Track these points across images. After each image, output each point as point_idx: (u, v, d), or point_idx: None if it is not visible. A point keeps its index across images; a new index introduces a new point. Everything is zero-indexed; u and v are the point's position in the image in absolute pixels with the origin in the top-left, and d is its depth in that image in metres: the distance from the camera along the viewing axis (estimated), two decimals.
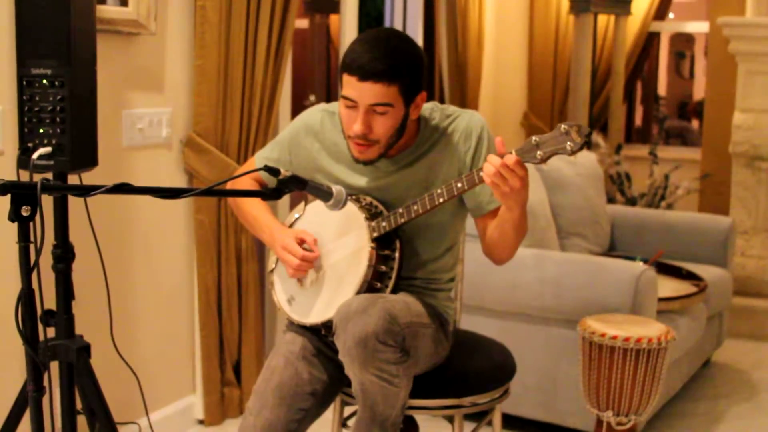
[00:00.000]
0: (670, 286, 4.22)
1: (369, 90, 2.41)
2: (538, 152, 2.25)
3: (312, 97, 6.31)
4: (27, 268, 1.93)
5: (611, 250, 5.05)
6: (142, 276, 3.59)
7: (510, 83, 6.75)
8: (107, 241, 2.92)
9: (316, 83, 6.91)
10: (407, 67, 2.45)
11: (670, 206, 6.29)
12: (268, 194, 2.19)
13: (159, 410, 3.72)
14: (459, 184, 2.39)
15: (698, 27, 7.50)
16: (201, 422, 3.93)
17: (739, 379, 4.80)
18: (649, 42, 7.51)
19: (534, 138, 2.26)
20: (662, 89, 9.80)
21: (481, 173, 2.31)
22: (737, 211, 5.82)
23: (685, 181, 6.40)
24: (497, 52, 6.46)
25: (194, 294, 3.83)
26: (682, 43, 9.84)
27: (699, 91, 9.71)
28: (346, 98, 2.46)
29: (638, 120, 8.96)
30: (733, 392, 4.59)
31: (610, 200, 6.21)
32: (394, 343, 2.36)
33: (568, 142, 2.21)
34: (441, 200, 2.43)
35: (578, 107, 6.62)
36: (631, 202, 6.40)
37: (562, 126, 2.23)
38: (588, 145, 2.26)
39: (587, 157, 5.06)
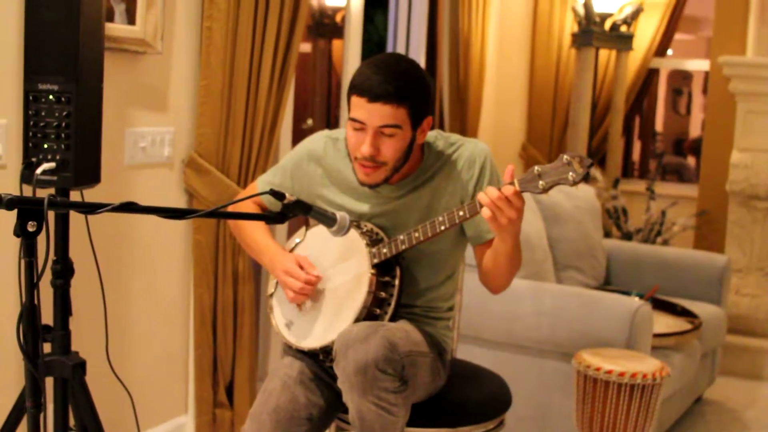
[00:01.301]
0: (664, 322, 4.22)
1: (378, 111, 2.42)
2: (541, 182, 2.26)
3: (309, 121, 6.32)
4: (31, 283, 1.93)
5: (606, 284, 5.06)
6: (138, 294, 3.58)
7: (510, 114, 6.77)
8: (105, 258, 2.92)
9: (317, 108, 6.92)
10: (415, 90, 2.46)
11: (665, 242, 6.31)
12: (272, 218, 2.20)
13: (150, 429, 3.70)
14: (461, 213, 2.40)
15: (699, 65, 7.54)
16: None
17: (731, 418, 4.80)
18: (649, 78, 7.55)
19: (536, 168, 2.28)
20: (659, 125, 9.83)
21: None
22: (732, 249, 5.83)
23: (682, 218, 6.42)
24: (498, 83, 6.48)
25: (190, 314, 3.82)
26: (680, 80, 9.88)
27: (695, 128, 9.73)
28: (354, 120, 2.47)
29: (635, 155, 8.98)
30: (725, 430, 4.59)
31: (606, 234, 6.22)
32: (394, 371, 2.36)
33: (570, 173, 2.22)
34: (442, 228, 2.43)
35: (577, 140, 6.64)
36: (627, 236, 6.42)
37: (565, 156, 2.24)
38: (587, 176, 2.27)
39: (585, 190, 5.08)
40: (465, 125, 5.87)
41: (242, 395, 3.99)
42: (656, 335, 3.88)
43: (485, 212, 2.28)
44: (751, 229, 5.80)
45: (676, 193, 7.00)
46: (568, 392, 3.57)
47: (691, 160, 9.18)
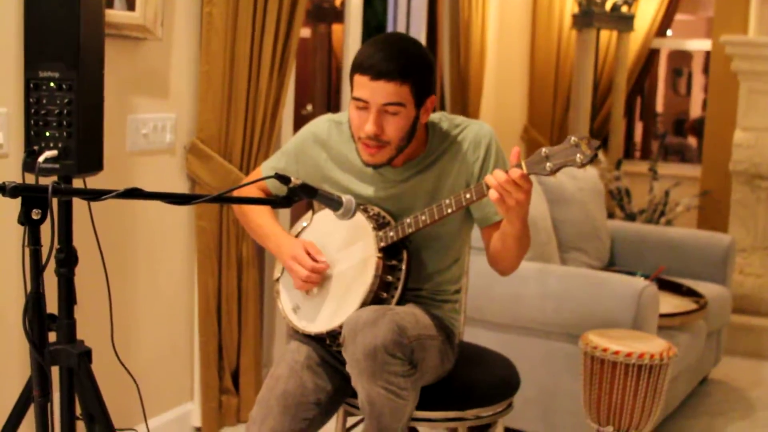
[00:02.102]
0: (670, 303, 4.21)
1: (381, 89, 2.40)
2: (548, 164, 2.24)
3: (309, 107, 6.30)
4: (37, 271, 1.92)
5: (611, 265, 5.04)
6: (142, 281, 3.57)
7: (511, 97, 6.75)
8: (108, 245, 2.90)
9: (317, 93, 6.89)
10: (418, 68, 2.45)
11: (669, 222, 6.29)
12: (278, 202, 2.19)
13: (156, 417, 3.70)
14: (468, 195, 2.38)
15: (700, 45, 7.51)
16: (198, 430, 3.90)
17: (737, 397, 4.79)
18: (650, 59, 7.53)
19: (543, 150, 2.26)
20: (659, 106, 9.81)
21: None
22: (736, 228, 5.82)
23: (685, 198, 6.40)
24: (499, 66, 6.46)
25: (194, 300, 3.81)
26: (680, 60, 9.85)
27: (695, 108, 9.71)
28: (357, 99, 2.45)
29: (637, 136, 8.97)
30: (731, 410, 4.58)
31: (609, 215, 6.21)
32: (403, 355, 2.35)
33: (578, 155, 2.21)
34: (449, 211, 2.42)
35: (579, 122, 6.62)
36: (631, 217, 6.40)
37: (572, 138, 2.22)
38: (595, 158, 2.25)
39: (589, 171, 5.06)
40: (466, 108, 5.86)
41: (248, 381, 3.99)
42: (662, 315, 3.86)
43: (493, 195, 2.27)
44: (755, 209, 5.79)
45: (678, 174, 6.98)
46: (575, 374, 3.56)
47: (692, 141, 9.16)
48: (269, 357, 4.43)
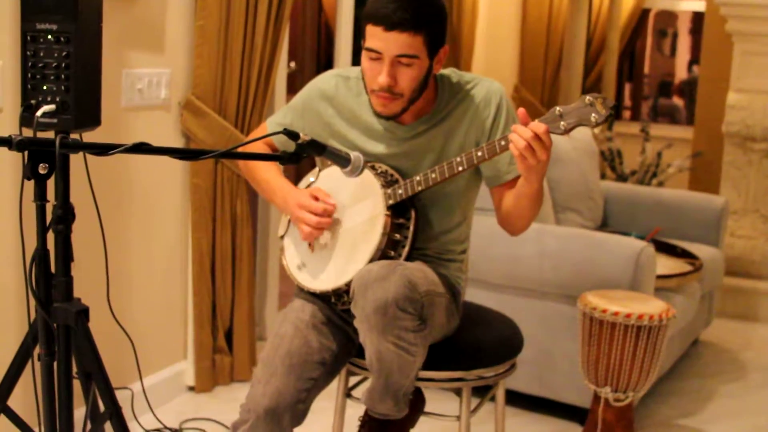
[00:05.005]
0: (665, 264, 4.19)
1: (395, 40, 2.35)
2: (562, 123, 2.22)
3: (292, 64, 6.23)
4: (43, 227, 1.88)
5: (604, 226, 5.03)
6: (137, 239, 3.53)
7: (502, 56, 6.69)
8: (103, 203, 2.85)
9: (306, 49, 6.83)
10: (432, 17, 2.39)
11: (660, 184, 6.28)
12: (286, 158, 2.13)
13: (149, 376, 3.67)
14: (479, 153, 2.34)
15: (693, 5, 7.47)
16: (191, 389, 3.88)
17: (728, 359, 4.81)
18: (642, 19, 7.49)
19: (558, 109, 2.22)
20: (646, 67, 9.78)
21: (503, 142, 2.27)
22: (728, 190, 5.81)
23: (678, 160, 6.39)
24: (490, 24, 6.40)
25: (188, 259, 3.78)
26: (665, 20, 9.81)
27: (681, 70, 9.69)
28: (370, 50, 2.39)
29: (627, 97, 8.94)
30: (722, 371, 4.60)
31: (601, 176, 6.19)
32: (413, 310, 2.31)
33: (593, 114, 2.18)
34: (460, 168, 2.38)
35: (571, 82, 6.59)
36: (622, 178, 6.39)
37: (587, 97, 2.19)
38: (609, 118, 2.22)
39: (582, 132, 5.02)
40: (458, 66, 5.80)
41: (241, 341, 3.96)
42: (658, 277, 3.85)
43: (515, 151, 2.23)
44: (747, 171, 5.77)
45: (669, 135, 6.97)
46: (573, 335, 3.55)
47: (678, 102, 9.14)
48: (261, 317, 4.41)
